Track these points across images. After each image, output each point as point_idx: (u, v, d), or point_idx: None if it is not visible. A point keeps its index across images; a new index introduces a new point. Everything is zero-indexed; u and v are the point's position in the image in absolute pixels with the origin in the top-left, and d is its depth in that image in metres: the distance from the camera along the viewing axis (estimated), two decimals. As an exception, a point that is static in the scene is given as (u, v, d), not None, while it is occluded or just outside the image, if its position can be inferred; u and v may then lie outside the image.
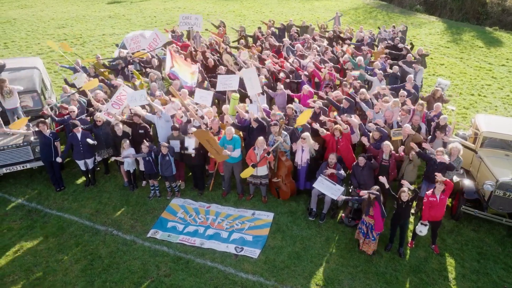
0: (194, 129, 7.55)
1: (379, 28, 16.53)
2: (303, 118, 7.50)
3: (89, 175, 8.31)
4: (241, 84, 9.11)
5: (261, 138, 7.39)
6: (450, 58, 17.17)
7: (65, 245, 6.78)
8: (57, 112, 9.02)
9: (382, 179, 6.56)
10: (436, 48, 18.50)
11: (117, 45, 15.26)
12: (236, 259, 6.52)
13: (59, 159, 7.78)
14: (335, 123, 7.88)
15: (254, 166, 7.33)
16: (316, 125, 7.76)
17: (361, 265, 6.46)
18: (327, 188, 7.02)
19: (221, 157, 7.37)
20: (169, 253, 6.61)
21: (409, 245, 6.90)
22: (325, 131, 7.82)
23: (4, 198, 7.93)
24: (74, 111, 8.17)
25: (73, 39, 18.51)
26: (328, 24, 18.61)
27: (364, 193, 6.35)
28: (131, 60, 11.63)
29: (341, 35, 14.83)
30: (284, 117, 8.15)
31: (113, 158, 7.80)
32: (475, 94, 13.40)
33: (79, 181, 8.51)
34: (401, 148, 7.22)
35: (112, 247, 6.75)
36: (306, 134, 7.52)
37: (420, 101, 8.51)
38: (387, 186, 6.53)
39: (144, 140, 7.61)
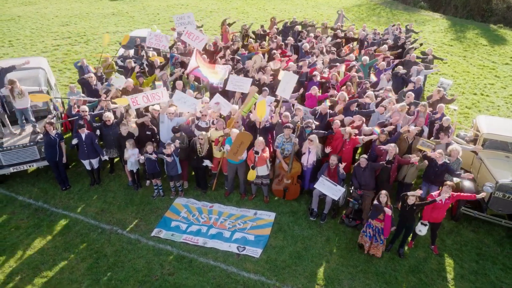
0: (203, 133, 7.68)
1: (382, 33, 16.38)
2: (260, 109, 7.58)
3: (94, 175, 8.45)
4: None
5: (260, 138, 7.47)
6: (454, 56, 17.14)
7: (71, 244, 6.93)
8: (64, 113, 9.11)
9: (418, 192, 6.38)
10: (440, 46, 18.46)
11: (120, 43, 15.37)
12: (238, 258, 6.66)
13: (63, 160, 7.99)
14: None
15: (253, 167, 7.44)
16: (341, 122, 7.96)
17: (361, 265, 6.57)
18: (328, 188, 7.13)
19: (235, 158, 7.47)
20: (172, 252, 6.75)
21: (409, 245, 7.00)
22: (339, 126, 7.92)
23: (12, 196, 8.09)
24: (85, 111, 8.29)
25: (77, 37, 18.61)
26: (330, 24, 18.59)
27: (388, 212, 6.27)
28: (143, 55, 11.84)
29: (343, 33, 14.84)
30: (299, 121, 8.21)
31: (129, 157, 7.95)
32: (478, 93, 13.41)
33: (84, 180, 8.65)
34: (415, 158, 7.16)
35: (117, 245, 6.89)
36: (313, 136, 7.61)
37: (423, 102, 8.54)
38: (418, 194, 6.38)
39: (149, 141, 7.74)
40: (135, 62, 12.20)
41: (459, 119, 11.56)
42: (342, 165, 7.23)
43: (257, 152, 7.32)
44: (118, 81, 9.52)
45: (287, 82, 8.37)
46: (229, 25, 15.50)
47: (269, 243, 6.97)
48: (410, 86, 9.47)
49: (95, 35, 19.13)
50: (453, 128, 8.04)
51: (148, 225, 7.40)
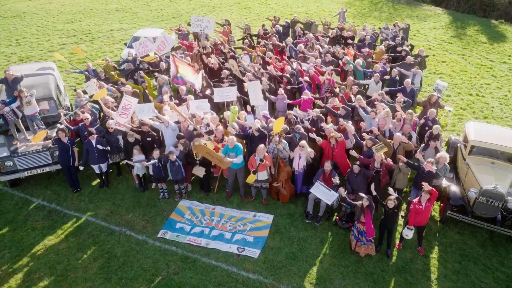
0: (201, 139, 8.13)
1: (380, 28, 16.76)
2: (278, 125, 7.97)
3: (103, 177, 8.98)
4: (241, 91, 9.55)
5: (261, 145, 7.94)
6: (452, 54, 17.35)
7: (84, 244, 7.50)
8: (71, 119, 9.51)
9: (372, 186, 7.13)
10: (439, 43, 18.64)
11: (125, 44, 15.75)
12: (238, 258, 7.19)
13: (81, 167, 8.50)
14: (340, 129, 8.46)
15: (254, 172, 7.92)
16: (313, 135, 8.29)
17: (351, 265, 7.10)
18: (323, 193, 7.62)
19: (225, 164, 7.96)
20: (177, 253, 7.30)
21: (397, 246, 7.50)
22: (321, 139, 8.35)
23: (27, 199, 8.65)
24: (88, 119, 8.77)
25: (82, 35, 18.97)
26: (332, 20, 18.79)
27: (359, 202, 6.90)
28: (140, 65, 12.14)
29: (344, 32, 15.08)
30: (286, 127, 8.63)
31: (124, 161, 8.48)
32: (473, 94, 13.71)
33: (94, 182, 9.19)
34: (389, 160, 7.70)
35: (126, 246, 7.45)
36: (303, 142, 8.08)
37: (409, 110, 8.94)
38: (374, 193, 7.06)
39: (155, 147, 8.22)
40: (140, 63, 12.61)
41: (453, 120, 11.92)
42: (336, 179, 7.64)
43: (261, 160, 7.80)
44: (90, 88, 9.85)
45: (254, 91, 8.80)
46: (223, 25, 15.81)
47: (267, 244, 7.50)
48: (400, 97, 9.78)
49: (99, 33, 19.46)
50: (442, 137, 8.42)
51: (155, 226, 7.94)
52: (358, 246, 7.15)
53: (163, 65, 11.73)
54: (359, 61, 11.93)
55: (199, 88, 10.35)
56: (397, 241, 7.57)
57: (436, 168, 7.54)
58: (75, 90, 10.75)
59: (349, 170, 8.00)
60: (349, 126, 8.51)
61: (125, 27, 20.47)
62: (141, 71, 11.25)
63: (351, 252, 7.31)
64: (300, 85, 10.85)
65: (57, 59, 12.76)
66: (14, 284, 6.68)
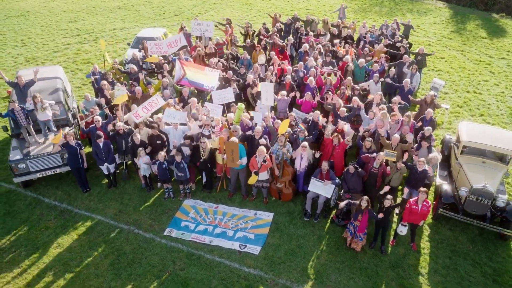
0: (206, 139, 8.53)
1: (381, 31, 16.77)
2: (283, 127, 8.32)
3: (111, 178, 9.40)
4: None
5: (261, 147, 8.30)
6: (452, 50, 17.53)
7: (95, 242, 7.95)
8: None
9: (387, 187, 7.43)
10: (439, 39, 18.79)
11: (128, 44, 16.05)
12: (239, 255, 7.62)
13: (85, 164, 8.92)
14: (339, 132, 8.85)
15: (256, 173, 8.30)
16: (328, 125, 8.78)
17: (347, 261, 7.51)
18: (320, 188, 8.03)
19: (234, 164, 8.32)
20: (183, 250, 7.73)
21: (391, 243, 7.90)
22: (329, 135, 8.71)
23: (39, 199, 9.10)
24: (98, 121, 9.16)
25: (86, 35, 19.28)
26: (331, 16, 18.95)
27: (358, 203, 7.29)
28: (143, 64, 12.48)
29: (345, 29, 15.29)
30: (290, 130, 8.99)
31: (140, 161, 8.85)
32: (471, 91, 13.95)
33: (103, 182, 9.61)
34: (389, 168, 8.02)
35: (135, 244, 7.90)
36: (305, 143, 8.44)
37: (407, 113, 9.25)
38: (387, 205, 7.27)
39: (161, 151, 8.62)
40: (143, 63, 12.96)
41: (449, 118, 12.21)
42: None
43: (264, 161, 8.18)
44: (120, 92, 10.28)
45: (266, 91, 9.15)
46: (221, 24, 16.06)
47: (267, 241, 7.92)
48: (398, 98, 10.10)
49: (103, 32, 19.75)
50: (433, 137, 8.74)
51: (161, 224, 8.37)
52: (355, 242, 7.55)
53: (167, 66, 12.04)
54: (363, 60, 12.17)
55: (213, 88, 10.56)
56: (391, 238, 7.96)
57: (427, 168, 7.88)
58: (92, 84, 11.10)
59: (345, 170, 8.37)
60: (350, 131, 8.79)
61: (128, 25, 20.74)
62: (141, 73, 11.56)
63: (347, 248, 7.72)
64: (304, 82, 11.18)
65: (101, 45, 12.75)
66: (32, 280, 7.16)
